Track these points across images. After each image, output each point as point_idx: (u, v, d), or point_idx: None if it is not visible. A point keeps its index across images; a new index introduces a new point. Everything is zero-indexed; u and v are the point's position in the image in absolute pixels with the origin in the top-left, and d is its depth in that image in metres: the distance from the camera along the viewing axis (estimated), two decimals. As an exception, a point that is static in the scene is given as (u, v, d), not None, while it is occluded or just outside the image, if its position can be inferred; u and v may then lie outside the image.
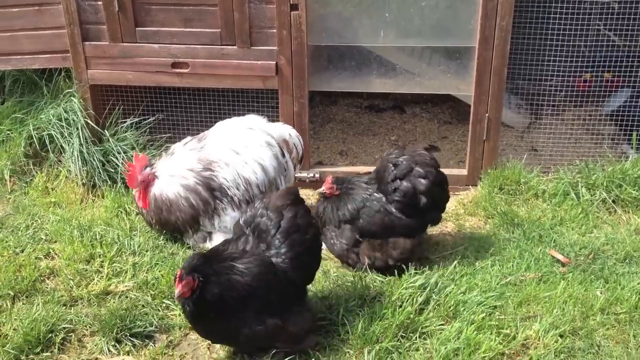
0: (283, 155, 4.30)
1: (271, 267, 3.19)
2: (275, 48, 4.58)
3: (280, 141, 4.30)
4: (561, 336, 3.39)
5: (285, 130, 4.36)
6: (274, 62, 4.61)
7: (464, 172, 4.84)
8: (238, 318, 3.10)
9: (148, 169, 4.09)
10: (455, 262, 3.95)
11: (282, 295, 3.19)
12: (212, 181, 4.09)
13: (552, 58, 4.79)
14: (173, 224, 4.11)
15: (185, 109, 5.07)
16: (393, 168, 3.90)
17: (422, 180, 3.86)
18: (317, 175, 4.90)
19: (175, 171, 4.10)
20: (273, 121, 4.74)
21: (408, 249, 3.89)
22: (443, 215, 4.52)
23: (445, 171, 4.87)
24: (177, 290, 2.96)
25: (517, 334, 3.39)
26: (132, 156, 4.22)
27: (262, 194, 4.12)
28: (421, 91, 5.16)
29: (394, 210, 3.88)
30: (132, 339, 3.43)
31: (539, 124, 5.30)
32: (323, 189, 4.00)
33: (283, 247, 3.25)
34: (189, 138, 4.28)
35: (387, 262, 3.89)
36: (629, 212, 4.42)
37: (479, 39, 4.43)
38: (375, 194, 3.93)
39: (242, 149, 4.18)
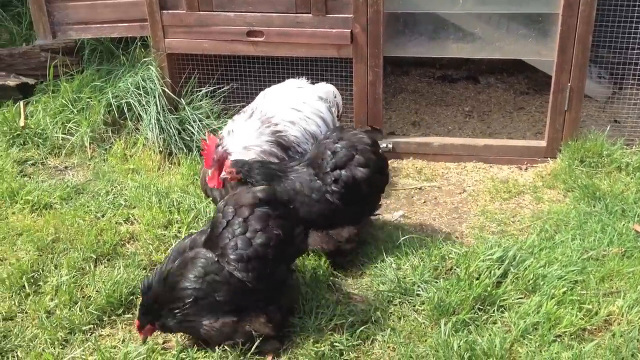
0: (332, 110, 4.31)
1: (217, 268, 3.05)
2: (351, 16, 4.53)
3: (327, 97, 4.31)
4: (646, 313, 3.28)
5: (329, 88, 4.37)
6: (349, 30, 4.55)
7: (543, 143, 4.71)
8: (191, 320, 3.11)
9: (220, 148, 4.07)
10: (534, 235, 3.86)
11: (232, 296, 3.07)
12: (283, 140, 4.07)
13: (636, 25, 4.57)
14: None
15: (259, 78, 5.07)
16: (331, 156, 3.59)
17: (363, 169, 3.58)
18: (390, 146, 4.85)
19: (246, 142, 4.07)
20: (344, 90, 4.73)
21: (355, 236, 3.68)
22: (520, 187, 4.45)
23: (522, 142, 4.84)
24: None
25: (599, 309, 3.30)
26: (208, 125, 4.25)
27: None
28: (500, 56, 5.00)
29: (336, 200, 3.60)
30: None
31: (621, 95, 5.09)
32: (224, 173, 3.71)
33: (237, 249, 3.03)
34: (238, 114, 4.23)
35: (338, 249, 3.67)
36: None
37: (563, 4, 4.26)
38: (314, 182, 3.63)
39: (301, 105, 4.19)
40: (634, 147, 4.55)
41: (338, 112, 4.40)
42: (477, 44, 4.71)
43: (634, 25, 4.58)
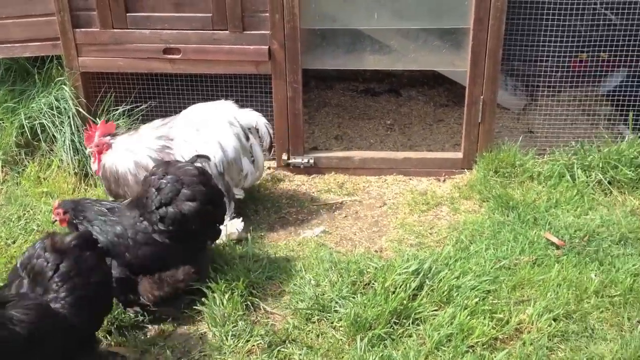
0: (247, 138, 4.21)
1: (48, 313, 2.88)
2: (268, 32, 4.53)
3: (247, 126, 4.22)
4: (555, 320, 3.38)
5: (253, 117, 4.26)
6: (267, 47, 4.56)
7: (459, 155, 4.81)
8: None
9: (108, 137, 4.07)
10: (450, 246, 3.93)
11: (64, 342, 2.91)
12: (167, 157, 4.02)
13: (547, 38, 4.73)
14: (122, 197, 4.09)
15: (178, 95, 5.03)
16: (156, 193, 3.43)
17: (191, 204, 3.41)
18: (311, 161, 4.87)
19: (132, 146, 4.08)
20: (267, 107, 4.72)
21: (193, 274, 3.50)
22: (438, 199, 4.53)
23: (440, 155, 4.93)
24: None
25: (510, 318, 3.38)
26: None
27: (220, 175, 4.06)
28: (416, 67, 5.12)
29: (165, 239, 3.45)
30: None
31: (535, 106, 5.25)
32: (53, 216, 3.56)
33: (62, 292, 2.92)
34: (158, 120, 4.28)
35: (176, 293, 3.52)
36: (624, 193, 4.39)
37: (474, 19, 4.37)
38: (139, 223, 3.45)
39: (203, 127, 4.13)
40: (545, 156, 4.69)
41: (266, 141, 4.28)
42: (394, 55, 4.79)
43: (546, 38, 4.72)
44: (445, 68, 5.16)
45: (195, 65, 4.68)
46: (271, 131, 4.33)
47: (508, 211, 4.25)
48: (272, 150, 4.49)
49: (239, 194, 4.33)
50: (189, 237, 3.50)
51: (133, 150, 4.07)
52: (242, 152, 4.19)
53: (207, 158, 3.89)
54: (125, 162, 4.06)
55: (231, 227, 4.11)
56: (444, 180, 4.79)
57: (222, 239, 3.87)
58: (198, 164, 3.66)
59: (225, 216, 3.94)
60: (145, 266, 3.46)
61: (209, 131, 4.13)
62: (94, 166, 4.16)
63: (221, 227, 3.74)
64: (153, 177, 3.50)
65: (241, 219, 4.20)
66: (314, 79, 6.17)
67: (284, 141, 4.84)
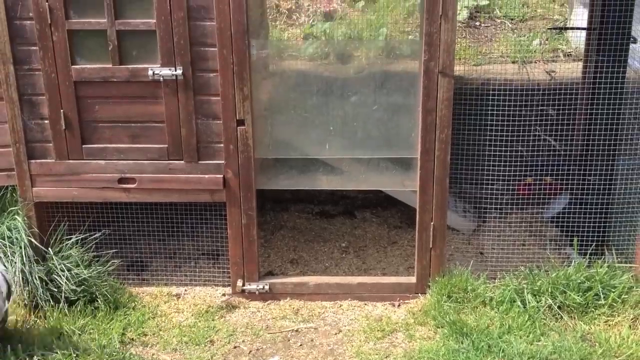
0: None
1: None
2: (222, 162, 4.64)
3: None
4: None
5: None
6: (222, 176, 4.65)
7: (413, 279, 4.86)
8: None
9: None
10: (405, 377, 3.91)
11: None
12: None
13: (493, 163, 4.93)
14: None
15: (134, 223, 5.04)
16: None
17: None
18: (267, 287, 4.86)
19: None
20: (223, 230, 4.75)
21: None
22: (393, 325, 4.54)
23: (394, 279, 4.99)
24: None
25: None
26: (77, 274, 4.12)
27: None
28: (367, 187, 5.30)
29: None
30: None
31: (485, 228, 5.40)
32: None
33: None
34: None
35: None
36: (574, 318, 4.46)
37: (420, 150, 4.55)
38: None
39: None
40: (496, 280, 4.77)
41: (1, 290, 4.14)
42: (346, 176, 4.94)
43: (488, 162, 4.92)
44: (396, 187, 5.33)
45: (150, 194, 4.73)
46: (7, 278, 4.25)
47: (462, 338, 4.27)
48: (10, 299, 4.34)
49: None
50: None
51: None
52: None
53: None
54: None
55: None
56: (399, 305, 4.81)
57: None
58: None
59: None
60: None
61: None
62: None
63: None
64: None
65: None
66: (269, 201, 6.26)
67: (238, 267, 4.85)
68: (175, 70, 4.41)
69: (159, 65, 4.42)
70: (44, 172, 4.68)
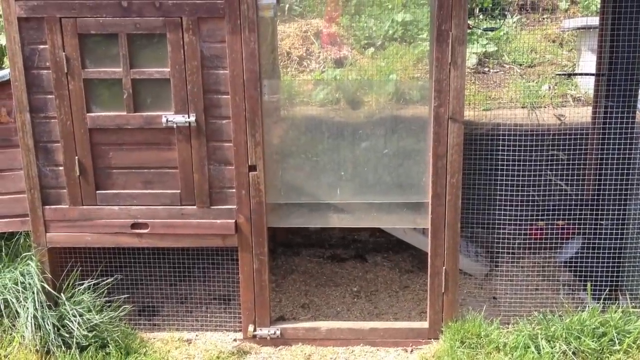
0: None
1: None
2: (235, 207, 4.67)
3: None
4: None
5: None
6: (233, 221, 4.68)
7: (425, 325, 4.82)
8: None
9: None
10: None
11: None
12: None
13: (505, 206, 4.93)
14: None
15: (146, 268, 5.05)
16: None
17: None
18: (278, 332, 4.84)
19: None
20: (235, 274, 4.74)
21: None
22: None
23: (406, 325, 4.96)
24: None
25: None
26: (89, 319, 4.09)
27: None
28: (379, 225, 5.32)
29: None
30: None
31: (497, 272, 5.37)
32: None
33: None
34: None
35: None
36: (590, 364, 4.41)
37: (432, 195, 4.57)
38: None
39: None
40: (510, 325, 4.72)
41: None
42: (356, 214, 4.94)
43: (500, 205, 4.92)
44: (408, 225, 5.32)
45: (163, 239, 4.76)
46: None
47: (476, 385, 4.22)
48: None
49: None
50: None
51: None
52: None
53: None
54: None
55: None
56: (412, 351, 4.77)
57: None
58: None
59: None
60: None
61: None
62: None
63: None
64: None
65: None
66: (281, 245, 6.27)
67: (250, 312, 4.84)
68: (189, 118, 4.48)
69: (172, 113, 4.49)
70: (57, 218, 4.72)
